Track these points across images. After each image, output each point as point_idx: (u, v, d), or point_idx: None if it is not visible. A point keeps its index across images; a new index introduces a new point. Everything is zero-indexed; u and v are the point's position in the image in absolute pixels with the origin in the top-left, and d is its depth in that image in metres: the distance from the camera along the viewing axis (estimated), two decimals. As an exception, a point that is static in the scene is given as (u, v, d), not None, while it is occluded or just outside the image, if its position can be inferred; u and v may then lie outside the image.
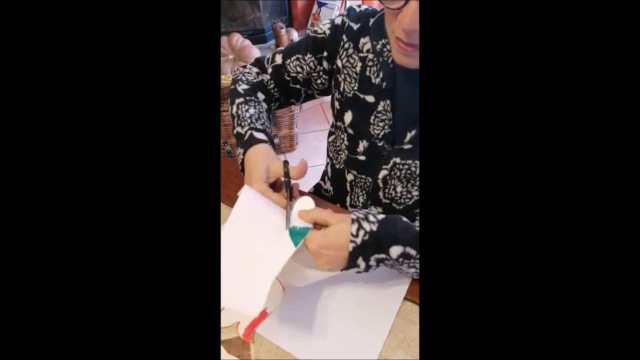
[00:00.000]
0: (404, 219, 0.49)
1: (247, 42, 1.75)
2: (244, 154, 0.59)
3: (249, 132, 0.60)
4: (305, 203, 0.53)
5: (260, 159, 0.56)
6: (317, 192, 0.81)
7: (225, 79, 1.64)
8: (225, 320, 0.49)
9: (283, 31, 1.99)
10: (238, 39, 1.73)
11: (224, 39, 1.73)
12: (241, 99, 0.65)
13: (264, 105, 0.67)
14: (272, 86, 0.70)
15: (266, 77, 0.70)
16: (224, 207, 0.65)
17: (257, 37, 2.08)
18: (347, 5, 2.19)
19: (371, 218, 0.48)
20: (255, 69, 0.72)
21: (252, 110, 0.63)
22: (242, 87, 0.67)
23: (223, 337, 0.48)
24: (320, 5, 2.14)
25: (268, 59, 0.70)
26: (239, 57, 1.70)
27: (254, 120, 0.62)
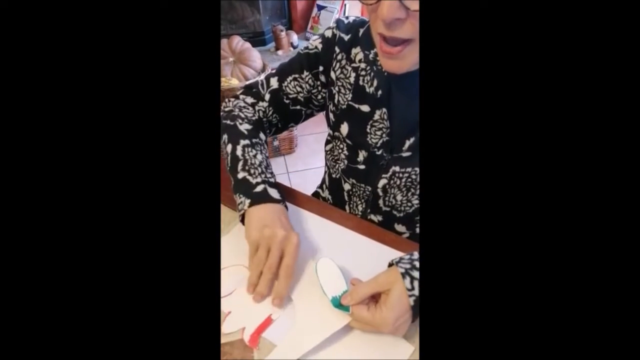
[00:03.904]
0: None
1: (247, 44, 1.76)
2: (250, 205, 0.54)
3: (263, 186, 0.55)
4: (326, 264, 0.51)
5: (275, 221, 0.52)
6: None
7: (226, 82, 1.65)
8: (230, 325, 0.49)
9: (283, 34, 2.00)
10: (238, 42, 1.74)
11: (224, 42, 1.73)
12: (246, 141, 0.61)
13: (265, 147, 0.64)
14: (270, 112, 0.68)
15: (264, 104, 0.68)
16: (226, 210, 0.65)
17: (256, 39, 2.09)
18: (347, 8, 2.19)
19: (417, 264, 0.46)
20: (249, 100, 0.69)
21: (259, 157, 0.59)
22: (244, 127, 0.63)
23: (226, 339, 0.48)
24: (320, 8, 2.14)
25: (262, 84, 0.68)
26: (239, 59, 1.71)
27: (264, 170, 0.58)
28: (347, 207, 0.71)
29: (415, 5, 0.42)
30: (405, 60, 0.49)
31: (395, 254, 0.56)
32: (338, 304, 0.47)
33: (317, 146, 2.01)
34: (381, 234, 0.60)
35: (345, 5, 2.10)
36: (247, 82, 0.71)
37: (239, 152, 0.60)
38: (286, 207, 0.57)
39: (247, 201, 0.54)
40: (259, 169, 0.58)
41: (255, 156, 0.59)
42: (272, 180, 0.58)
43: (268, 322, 0.50)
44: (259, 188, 0.55)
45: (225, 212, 0.64)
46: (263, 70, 1.75)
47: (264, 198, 0.54)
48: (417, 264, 0.46)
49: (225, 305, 0.51)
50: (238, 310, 0.51)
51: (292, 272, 0.50)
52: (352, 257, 0.56)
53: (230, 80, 1.66)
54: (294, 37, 2.08)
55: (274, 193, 0.56)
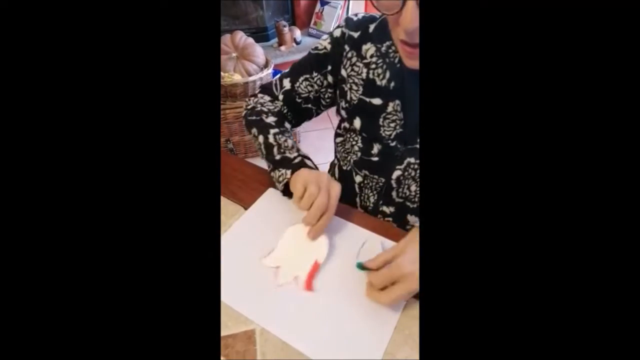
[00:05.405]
0: None
1: (250, 40, 1.75)
2: (291, 173, 0.58)
3: (300, 158, 0.60)
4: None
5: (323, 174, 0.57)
6: None
7: (228, 77, 1.64)
8: (283, 277, 0.53)
9: (286, 29, 2.00)
10: (241, 37, 1.73)
11: (227, 37, 1.73)
12: (275, 130, 0.66)
13: (291, 134, 0.69)
14: (285, 111, 0.72)
15: (279, 104, 0.72)
16: (229, 203, 0.65)
17: (259, 35, 2.09)
18: (350, 4, 2.17)
19: None
20: (267, 97, 0.73)
21: (290, 141, 0.64)
22: (270, 119, 0.68)
23: (231, 331, 0.48)
24: (323, 4, 2.14)
25: (276, 85, 0.72)
26: (242, 55, 1.70)
27: (298, 150, 0.63)
28: (357, 200, 0.71)
29: None
30: None
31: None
32: (361, 267, 0.51)
33: (320, 143, 2.00)
34: (389, 229, 0.60)
35: (348, 1, 2.09)
36: (262, 83, 0.76)
37: (271, 139, 0.64)
38: None
39: (289, 171, 0.59)
40: (294, 149, 0.62)
41: (286, 141, 0.64)
42: (306, 155, 0.62)
43: (316, 266, 0.54)
44: (297, 160, 0.60)
45: (227, 205, 0.64)
46: (266, 65, 1.75)
47: (303, 165, 0.59)
48: None
49: (272, 262, 0.55)
50: (286, 264, 0.55)
51: (333, 211, 0.55)
52: (355, 252, 0.57)
53: (233, 75, 1.65)
54: (297, 33, 2.08)
55: (310, 163, 0.61)
